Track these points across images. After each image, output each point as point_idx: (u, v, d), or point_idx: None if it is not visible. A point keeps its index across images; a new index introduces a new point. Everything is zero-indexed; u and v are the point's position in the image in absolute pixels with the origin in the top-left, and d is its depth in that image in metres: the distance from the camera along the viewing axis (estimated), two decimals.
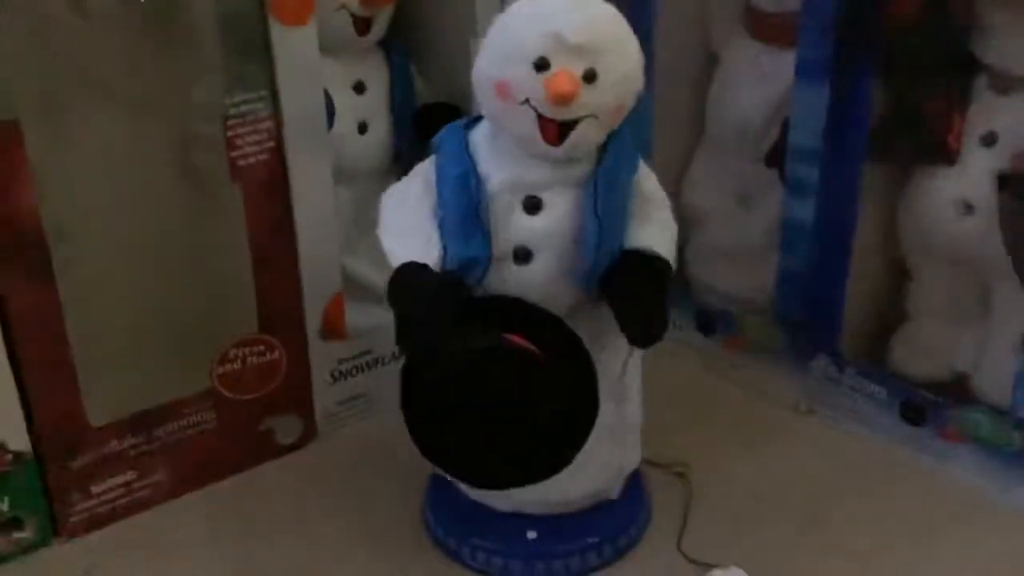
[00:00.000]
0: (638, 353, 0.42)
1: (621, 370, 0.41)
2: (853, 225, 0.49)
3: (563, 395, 0.38)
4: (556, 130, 0.37)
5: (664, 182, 0.41)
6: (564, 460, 0.39)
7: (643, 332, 0.39)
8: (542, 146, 0.37)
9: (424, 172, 0.40)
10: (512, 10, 0.37)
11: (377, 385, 0.53)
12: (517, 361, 0.37)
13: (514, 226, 0.39)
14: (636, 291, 0.39)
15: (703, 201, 0.57)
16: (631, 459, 0.45)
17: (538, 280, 0.39)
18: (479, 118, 0.40)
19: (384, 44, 0.54)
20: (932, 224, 0.48)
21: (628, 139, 0.40)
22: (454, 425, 0.38)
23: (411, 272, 0.38)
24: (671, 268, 0.40)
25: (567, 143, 0.37)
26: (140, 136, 0.44)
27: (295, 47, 0.45)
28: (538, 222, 0.39)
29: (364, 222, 0.54)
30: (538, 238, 0.39)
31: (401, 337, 0.38)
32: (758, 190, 0.55)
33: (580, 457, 0.40)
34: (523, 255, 0.39)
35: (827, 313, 0.51)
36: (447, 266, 0.39)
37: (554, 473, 0.39)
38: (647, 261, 0.39)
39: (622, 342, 0.39)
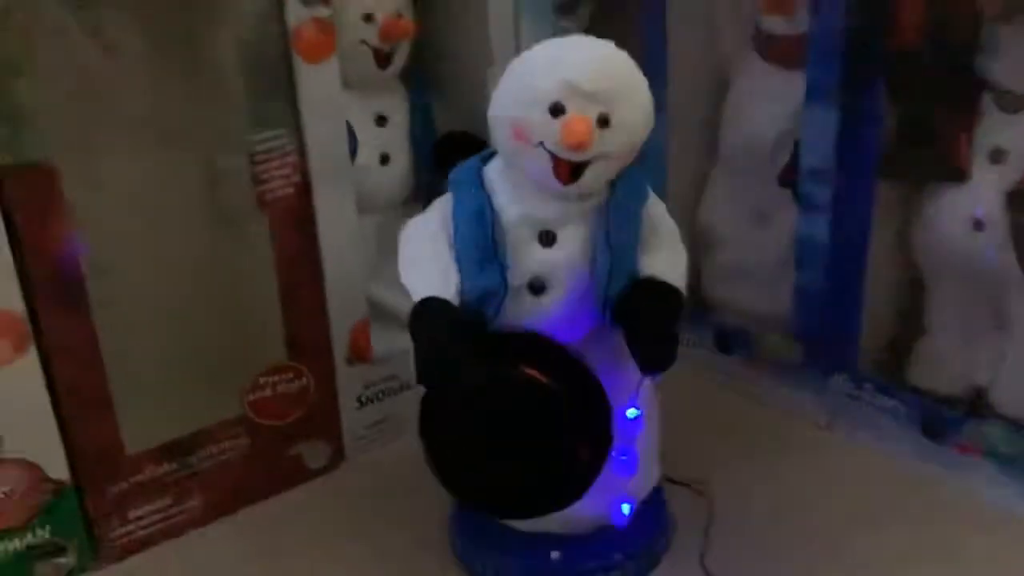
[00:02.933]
0: (649, 381, 0.43)
1: (634, 394, 0.42)
2: (867, 242, 0.50)
3: (577, 428, 0.39)
4: (569, 171, 0.38)
5: (680, 204, 0.42)
6: (579, 490, 0.40)
7: (654, 359, 0.39)
8: (556, 184, 0.38)
9: (441, 207, 0.41)
10: (528, 56, 0.38)
11: (403, 409, 0.54)
12: (532, 393, 0.39)
13: (529, 258, 0.40)
14: (647, 319, 0.39)
15: (719, 222, 0.58)
16: (650, 479, 0.45)
17: (553, 310, 0.40)
18: (493, 153, 0.41)
19: (404, 76, 0.55)
20: (944, 241, 0.49)
21: (638, 172, 0.41)
22: (471, 455, 0.40)
23: (430, 307, 0.39)
24: (682, 295, 0.41)
25: (580, 183, 0.38)
26: (170, 172, 0.46)
27: (318, 83, 0.46)
28: (553, 255, 0.40)
29: (387, 250, 0.55)
30: (552, 270, 0.40)
31: (420, 371, 0.39)
32: (773, 209, 0.55)
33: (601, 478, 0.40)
34: (538, 286, 0.40)
35: (844, 330, 0.52)
36: (464, 298, 0.40)
37: (569, 503, 0.40)
38: (658, 289, 0.40)
39: (635, 368, 0.40)
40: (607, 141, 0.38)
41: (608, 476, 0.41)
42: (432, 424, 0.40)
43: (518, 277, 0.40)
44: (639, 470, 0.44)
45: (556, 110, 0.37)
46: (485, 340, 0.40)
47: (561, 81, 0.37)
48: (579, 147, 0.37)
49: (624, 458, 0.42)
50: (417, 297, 0.40)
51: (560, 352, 0.40)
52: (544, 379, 0.39)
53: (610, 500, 0.43)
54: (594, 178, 0.38)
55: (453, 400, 0.39)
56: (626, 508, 0.44)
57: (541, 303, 0.40)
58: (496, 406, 0.39)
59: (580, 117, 0.37)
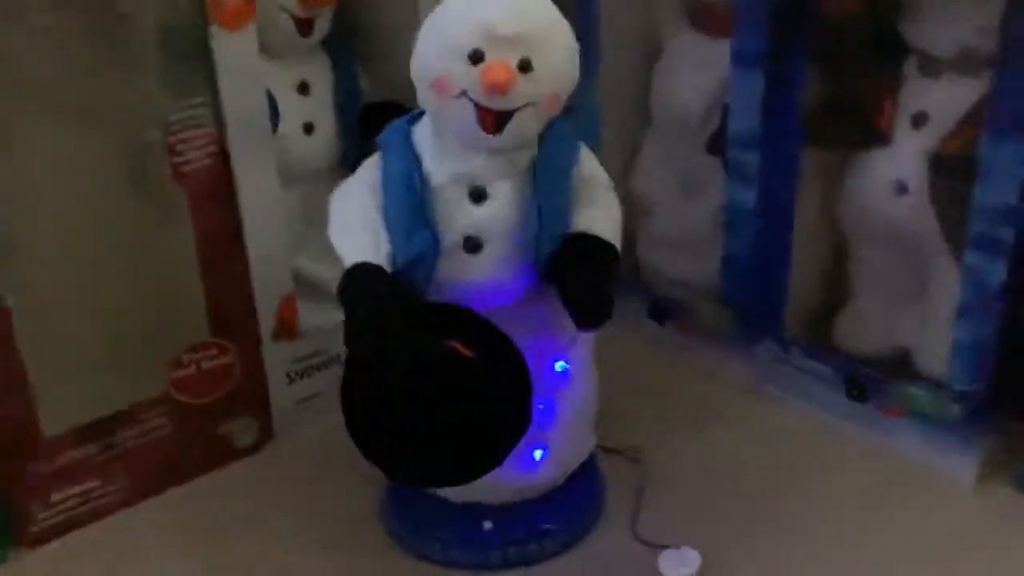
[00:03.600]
0: (587, 338, 0.43)
1: (564, 348, 0.42)
2: (793, 208, 0.51)
3: (497, 398, 0.39)
4: (494, 120, 0.37)
5: (612, 171, 0.42)
6: (496, 461, 0.40)
7: (589, 315, 0.39)
8: (482, 136, 0.38)
9: (370, 170, 0.41)
10: (444, 6, 0.38)
11: (333, 384, 0.52)
12: (453, 365, 0.39)
13: (462, 216, 0.39)
14: (579, 274, 0.39)
15: (651, 189, 0.58)
16: (584, 446, 0.46)
17: (488, 268, 0.40)
18: (422, 113, 0.40)
19: (327, 44, 0.54)
20: (868, 204, 0.49)
21: (567, 128, 0.40)
22: (391, 425, 0.39)
23: (360, 275, 0.39)
24: (615, 250, 0.40)
25: (506, 132, 0.38)
26: (84, 144, 0.44)
27: (235, 51, 0.45)
28: (484, 211, 0.39)
29: (313, 222, 0.54)
30: (485, 227, 0.40)
31: (348, 338, 0.38)
32: (703, 177, 0.56)
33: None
34: (473, 245, 0.40)
35: (772, 295, 0.52)
36: (396, 261, 0.39)
37: (485, 473, 0.40)
38: (590, 243, 0.40)
39: (569, 325, 0.40)
40: (530, 87, 0.37)
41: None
42: (353, 393, 0.40)
43: (451, 236, 0.40)
44: (572, 434, 0.44)
45: (476, 57, 0.37)
46: (412, 311, 0.39)
47: (478, 27, 0.36)
48: (500, 91, 0.36)
49: (541, 407, 0.42)
50: (348, 263, 0.39)
51: (485, 326, 0.39)
52: (466, 351, 0.39)
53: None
54: (520, 127, 0.38)
55: (375, 369, 0.39)
56: (538, 454, 0.43)
57: (477, 261, 0.40)
58: (416, 376, 0.39)
59: (500, 63, 0.36)
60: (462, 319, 0.39)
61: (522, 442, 0.41)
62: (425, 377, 0.39)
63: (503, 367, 0.39)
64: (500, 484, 0.42)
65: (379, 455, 0.41)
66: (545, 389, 0.42)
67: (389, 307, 0.38)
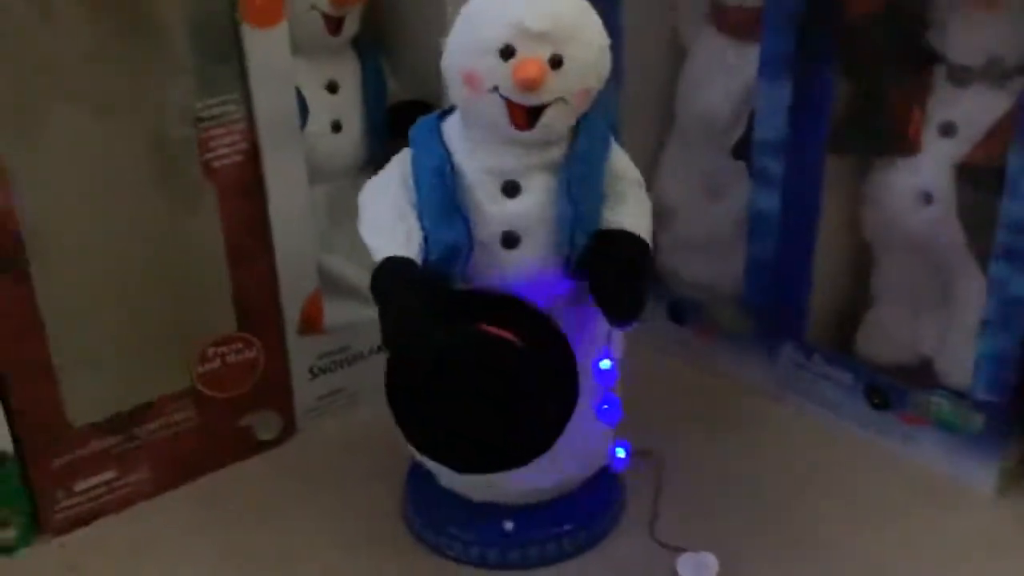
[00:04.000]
0: (618, 336, 0.43)
1: (605, 345, 0.42)
2: (817, 215, 0.50)
3: (542, 382, 0.39)
4: (525, 115, 0.38)
5: None
6: (543, 446, 0.40)
7: (621, 311, 0.39)
8: (513, 131, 0.38)
9: (400, 165, 0.41)
10: (476, 2, 0.38)
11: (356, 380, 0.54)
12: (496, 349, 0.38)
13: (497, 211, 0.40)
14: (612, 270, 0.39)
15: (673, 193, 0.58)
16: (607, 446, 0.46)
17: (526, 263, 0.40)
18: (452, 109, 0.41)
19: (356, 43, 0.54)
20: (893, 213, 0.49)
21: (600, 121, 0.40)
22: (437, 413, 0.39)
23: (394, 267, 0.39)
24: (647, 246, 0.40)
25: (537, 127, 0.38)
26: (114, 138, 0.45)
27: (266, 49, 0.45)
28: (519, 205, 0.40)
29: (339, 219, 0.54)
30: (522, 221, 0.40)
31: (385, 331, 0.38)
32: (726, 182, 0.56)
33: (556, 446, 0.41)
34: (511, 240, 0.40)
35: (794, 301, 0.52)
36: (429, 256, 0.39)
37: (534, 458, 0.40)
38: (622, 240, 0.40)
39: (607, 325, 0.40)
40: (561, 82, 0.37)
41: (596, 426, 0.41)
42: (398, 385, 0.40)
43: (486, 231, 0.40)
44: (599, 435, 0.44)
45: (507, 53, 0.37)
46: (448, 299, 0.39)
47: (510, 23, 0.37)
48: (531, 87, 0.37)
49: (606, 406, 0.42)
50: (379, 257, 0.39)
51: (524, 308, 0.39)
52: (507, 336, 0.39)
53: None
54: (552, 122, 0.38)
55: (417, 359, 0.39)
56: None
57: (514, 256, 0.40)
58: (460, 365, 0.38)
59: (531, 58, 0.36)
60: (501, 304, 0.39)
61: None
62: (465, 362, 0.38)
63: (545, 347, 0.39)
64: (566, 475, 0.42)
65: (429, 447, 0.41)
66: (599, 388, 0.42)
67: (422, 296, 0.38)
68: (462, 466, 0.41)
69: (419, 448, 0.41)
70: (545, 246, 0.40)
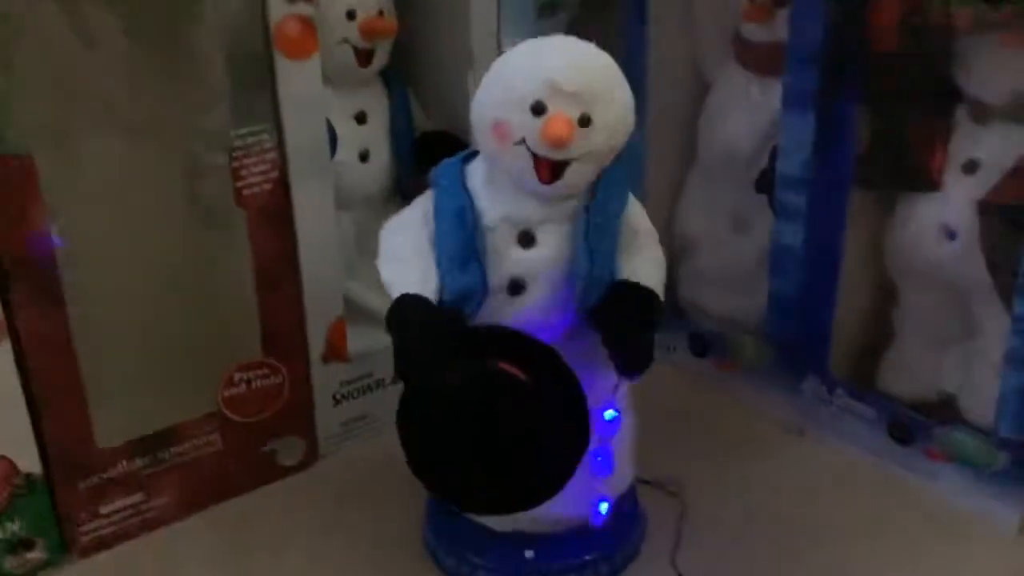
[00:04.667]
0: (624, 388, 0.43)
1: (611, 395, 0.42)
2: (840, 249, 0.51)
3: (555, 423, 0.40)
4: (550, 170, 0.38)
5: (657, 208, 0.43)
6: (556, 486, 0.40)
7: (633, 362, 0.40)
8: (536, 184, 0.39)
9: (422, 205, 0.41)
10: (510, 55, 0.39)
11: (378, 407, 0.54)
12: (509, 389, 0.39)
13: (509, 259, 0.40)
14: (624, 322, 0.40)
15: (696, 226, 0.58)
16: (624, 480, 0.46)
17: (531, 310, 0.41)
18: (475, 153, 0.41)
19: (384, 74, 0.55)
20: (916, 249, 0.50)
21: (619, 173, 0.41)
22: (449, 452, 0.40)
23: (409, 303, 0.39)
24: (659, 300, 0.41)
25: (560, 182, 0.38)
26: (148, 165, 0.46)
27: (299, 80, 0.46)
28: (532, 255, 0.40)
29: (365, 248, 0.55)
30: (531, 271, 0.40)
31: (399, 367, 0.39)
32: (749, 216, 0.56)
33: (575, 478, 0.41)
34: (516, 287, 0.40)
35: (817, 335, 0.52)
36: (444, 298, 0.40)
37: (546, 499, 0.40)
38: (636, 292, 0.40)
39: (611, 370, 0.40)
40: (588, 141, 0.38)
41: (585, 476, 0.41)
42: (410, 421, 0.40)
43: (497, 277, 0.40)
44: (615, 470, 0.44)
45: (538, 109, 0.37)
46: (464, 336, 0.40)
47: (543, 81, 0.37)
48: (560, 145, 0.37)
49: (600, 459, 0.42)
50: (396, 293, 0.40)
51: (539, 348, 0.40)
52: (523, 376, 0.39)
53: (587, 500, 0.43)
54: (575, 178, 0.39)
55: (431, 396, 0.39)
56: (604, 507, 0.44)
57: (519, 303, 0.41)
58: (474, 403, 0.39)
59: (561, 116, 0.37)
60: (515, 342, 0.40)
61: (585, 493, 0.41)
62: (476, 399, 0.39)
63: (557, 388, 0.40)
64: (549, 516, 0.42)
65: (438, 483, 0.41)
66: (598, 439, 0.42)
67: (437, 333, 0.39)
68: (472, 506, 0.42)
69: (429, 486, 0.41)
70: (549, 294, 0.40)
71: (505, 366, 0.39)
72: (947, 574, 0.45)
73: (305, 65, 0.46)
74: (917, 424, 0.49)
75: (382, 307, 0.54)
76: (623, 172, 0.41)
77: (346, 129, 0.53)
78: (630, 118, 0.39)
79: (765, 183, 0.53)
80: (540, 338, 0.40)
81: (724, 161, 0.56)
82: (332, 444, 0.53)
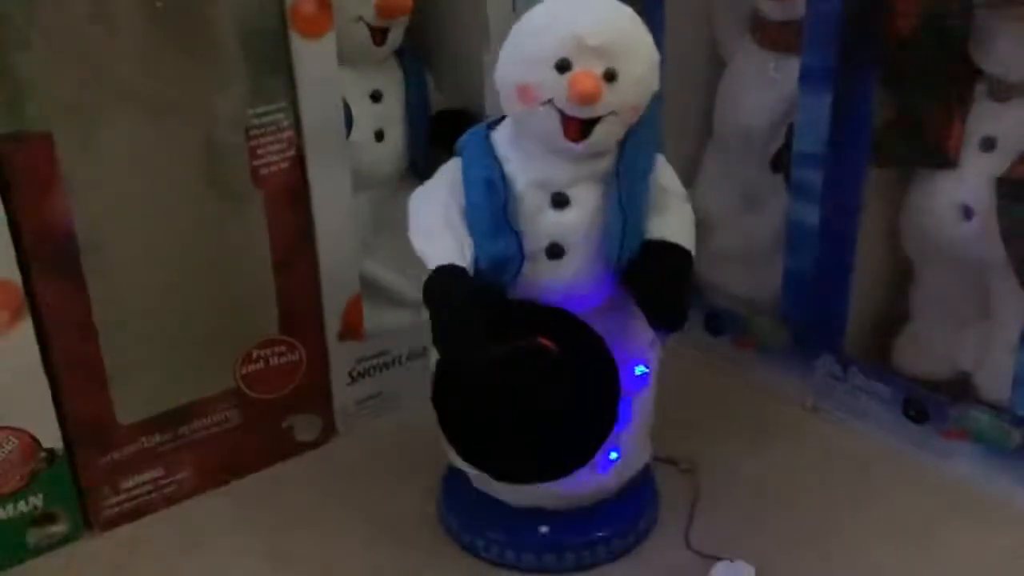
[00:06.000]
0: (660, 339, 0.43)
1: (646, 352, 0.42)
2: (856, 228, 0.51)
3: (588, 397, 0.40)
4: (579, 128, 0.38)
5: None
6: (587, 456, 0.41)
7: (666, 318, 0.40)
8: (565, 144, 0.38)
9: (450, 174, 0.41)
10: (531, 15, 0.38)
11: (394, 384, 0.54)
12: (545, 364, 0.39)
13: (544, 223, 0.40)
14: (658, 279, 0.40)
15: (711, 204, 0.58)
16: (644, 453, 0.46)
17: (571, 273, 0.41)
18: (502, 119, 0.41)
19: (399, 53, 0.55)
20: (932, 227, 0.49)
21: (647, 133, 0.41)
22: (484, 422, 0.40)
23: (447, 276, 0.39)
24: (691, 256, 0.41)
25: (589, 140, 0.38)
26: (166, 144, 0.46)
27: (314, 59, 0.46)
28: (567, 217, 0.40)
29: (381, 226, 0.55)
30: (568, 233, 0.40)
31: (438, 339, 0.39)
32: (765, 194, 0.56)
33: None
34: (555, 251, 0.40)
35: (832, 313, 0.52)
36: (479, 266, 0.40)
37: (577, 468, 0.41)
38: (668, 250, 0.40)
39: (646, 329, 0.40)
40: (615, 96, 0.38)
41: (633, 434, 0.42)
42: (446, 391, 0.40)
43: (534, 243, 0.40)
44: (634, 439, 0.44)
45: (563, 66, 0.37)
46: (501, 311, 0.40)
47: (567, 36, 0.37)
48: (588, 101, 0.37)
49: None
50: (432, 264, 0.39)
51: (574, 322, 0.40)
52: (559, 351, 0.39)
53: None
54: (604, 135, 0.38)
55: (469, 369, 0.39)
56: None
57: (558, 267, 0.40)
58: (512, 378, 0.39)
59: (587, 72, 0.37)
60: (550, 316, 0.40)
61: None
62: (514, 373, 0.39)
63: (591, 362, 0.40)
64: (563, 487, 0.43)
65: (473, 454, 0.41)
66: (625, 392, 0.42)
67: (477, 305, 0.39)
68: (505, 475, 0.42)
69: (463, 454, 0.42)
70: (589, 257, 0.40)
71: (542, 341, 0.39)
72: (962, 553, 0.45)
73: (320, 44, 0.46)
74: (932, 403, 0.49)
75: (398, 285, 0.55)
76: (650, 132, 0.41)
77: (361, 108, 0.53)
78: (656, 72, 0.39)
79: (781, 161, 0.53)
80: (579, 300, 0.40)
81: (740, 139, 0.56)
82: (348, 421, 0.54)
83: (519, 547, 0.45)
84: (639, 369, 0.43)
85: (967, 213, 0.48)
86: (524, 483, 0.42)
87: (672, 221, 0.41)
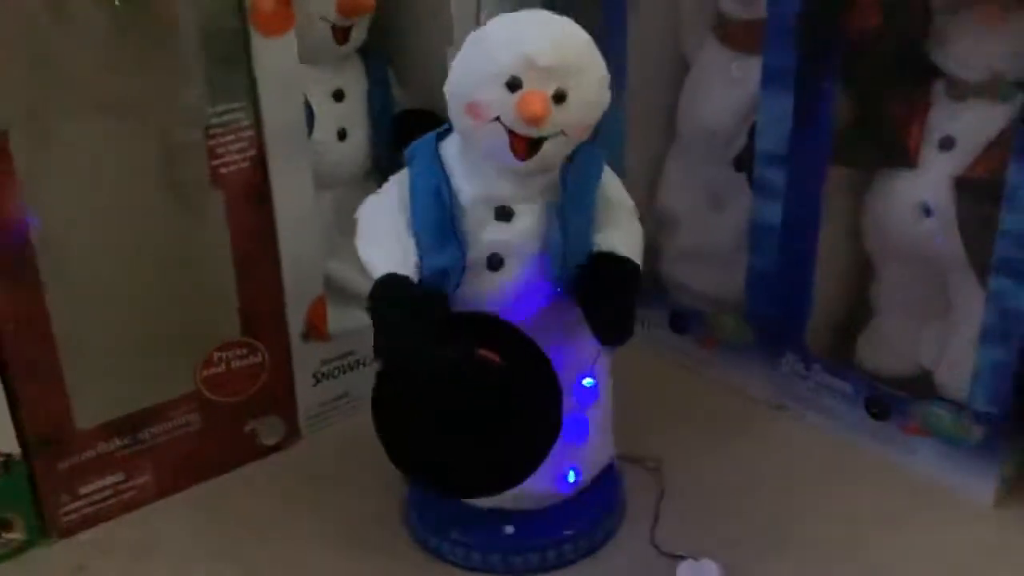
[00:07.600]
0: (607, 352, 0.44)
1: (591, 365, 0.43)
2: (818, 226, 0.51)
3: (528, 407, 0.40)
4: (526, 146, 0.38)
5: (637, 185, 0.43)
6: (528, 469, 0.41)
7: (612, 332, 0.40)
8: (512, 160, 0.38)
9: (398, 183, 0.41)
10: (485, 31, 0.38)
11: (359, 385, 0.54)
12: (483, 372, 0.39)
13: (487, 234, 0.40)
14: (605, 293, 0.40)
15: (676, 203, 0.58)
16: (603, 455, 0.46)
17: (510, 285, 0.41)
18: (449, 129, 0.41)
19: (362, 52, 0.55)
20: (893, 225, 0.50)
21: (594, 149, 0.41)
22: (423, 433, 0.40)
23: (391, 285, 0.39)
24: (638, 269, 0.41)
25: (535, 158, 0.38)
26: (124, 144, 0.45)
27: (275, 56, 0.46)
28: (510, 231, 0.40)
29: (345, 226, 0.54)
30: (509, 246, 0.40)
31: (378, 347, 0.39)
32: (728, 193, 0.56)
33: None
34: (495, 262, 0.40)
35: (795, 311, 0.53)
36: (423, 275, 0.40)
37: (519, 482, 0.41)
38: (615, 263, 0.41)
39: (592, 342, 0.40)
40: (563, 116, 0.38)
41: (559, 446, 0.41)
42: (386, 402, 0.40)
43: (476, 253, 0.40)
44: (592, 445, 0.44)
45: (513, 85, 0.37)
46: (443, 321, 0.40)
47: (518, 56, 0.37)
48: (536, 122, 0.37)
49: (574, 427, 0.42)
50: (377, 274, 0.40)
51: (513, 333, 0.40)
52: (499, 361, 0.39)
53: (558, 468, 0.44)
54: (551, 154, 0.39)
55: (409, 379, 0.39)
56: (572, 476, 0.44)
57: (498, 278, 0.41)
58: (451, 387, 0.39)
59: (537, 92, 0.37)
60: (491, 327, 0.40)
61: (555, 461, 0.41)
62: (455, 385, 0.39)
63: (533, 375, 0.40)
64: (527, 494, 0.43)
65: (411, 465, 0.41)
66: (575, 406, 0.42)
67: (419, 316, 0.39)
68: (447, 489, 0.42)
69: (402, 468, 0.41)
70: (528, 267, 0.40)
71: (483, 351, 0.39)
72: (924, 547, 0.46)
73: (281, 41, 0.46)
74: (894, 399, 0.50)
75: (362, 285, 0.54)
76: (598, 146, 0.41)
77: (324, 107, 0.53)
78: (605, 94, 0.39)
79: (744, 161, 0.53)
80: (519, 314, 0.41)
81: (704, 139, 0.56)
82: (313, 423, 0.53)
83: (485, 548, 0.45)
84: (587, 381, 0.43)
85: (927, 211, 0.48)
86: (463, 497, 0.42)
87: (619, 234, 0.41)
